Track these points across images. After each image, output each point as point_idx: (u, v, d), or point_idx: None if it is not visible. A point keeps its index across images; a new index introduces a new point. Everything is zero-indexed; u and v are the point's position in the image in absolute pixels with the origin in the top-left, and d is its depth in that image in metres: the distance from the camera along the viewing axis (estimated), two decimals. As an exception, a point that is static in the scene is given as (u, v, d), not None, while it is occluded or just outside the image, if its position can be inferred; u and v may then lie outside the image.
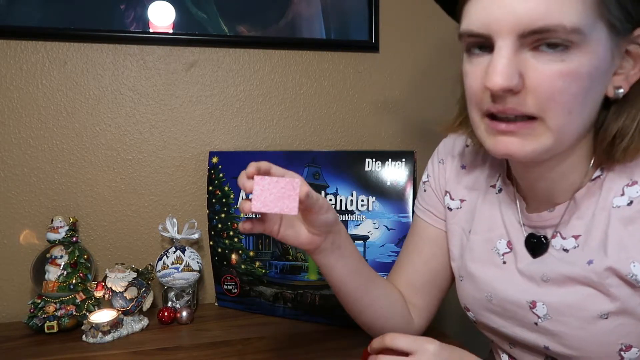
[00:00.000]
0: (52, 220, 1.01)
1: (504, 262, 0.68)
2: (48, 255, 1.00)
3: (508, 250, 0.68)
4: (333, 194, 0.99)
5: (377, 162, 0.96)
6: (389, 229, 0.94)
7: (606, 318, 0.57)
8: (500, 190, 0.70)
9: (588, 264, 0.58)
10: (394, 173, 0.95)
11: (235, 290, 1.08)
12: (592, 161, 0.59)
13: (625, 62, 0.55)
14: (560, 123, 0.52)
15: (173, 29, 1.09)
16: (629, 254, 0.56)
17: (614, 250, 0.56)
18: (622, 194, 0.57)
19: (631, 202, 0.56)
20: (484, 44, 0.54)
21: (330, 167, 1.00)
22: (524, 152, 0.55)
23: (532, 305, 0.63)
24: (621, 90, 0.55)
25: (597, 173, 0.59)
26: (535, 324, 0.63)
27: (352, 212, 0.97)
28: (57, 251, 1.00)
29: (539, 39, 0.50)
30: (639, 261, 0.55)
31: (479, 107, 0.57)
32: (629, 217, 0.56)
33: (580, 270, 0.59)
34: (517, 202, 0.67)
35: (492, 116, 0.55)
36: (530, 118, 0.53)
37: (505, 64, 0.51)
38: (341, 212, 0.98)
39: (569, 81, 0.51)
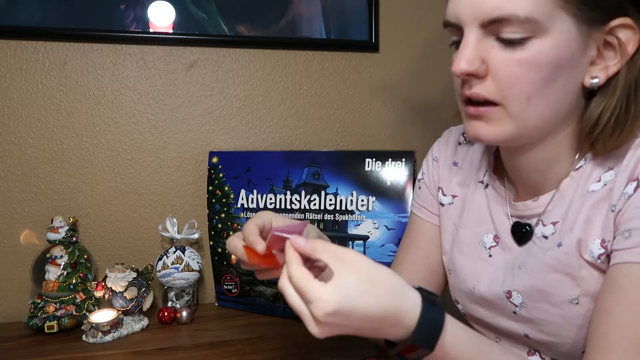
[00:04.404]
0: (52, 220, 1.01)
1: (490, 256, 0.69)
2: (48, 255, 1.00)
3: (495, 244, 0.69)
4: (333, 194, 0.99)
5: (377, 162, 0.96)
6: (389, 229, 0.95)
7: (577, 303, 0.58)
8: (487, 186, 0.72)
9: (558, 246, 0.59)
10: (394, 173, 0.95)
11: (235, 290, 1.08)
12: (578, 151, 0.61)
13: (607, 53, 0.55)
14: (520, 109, 0.55)
15: (173, 29, 1.09)
16: (593, 231, 0.57)
17: (580, 228, 0.58)
18: (599, 180, 0.58)
19: (605, 185, 0.57)
20: (460, 34, 0.57)
21: (330, 167, 1.00)
22: (489, 136, 0.58)
23: (508, 295, 0.64)
24: (596, 80, 0.55)
25: (581, 163, 0.60)
26: (514, 312, 0.64)
27: (352, 212, 0.97)
28: (57, 251, 1.00)
29: (499, 27, 0.53)
30: (598, 238, 0.56)
31: (459, 93, 0.60)
32: (599, 196, 0.57)
33: (552, 253, 0.60)
34: (506, 194, 0.69)
35: (469, 102, 0.58)
36: (494, 104, 0.56)
37: (467, 51, 0.54)
38: (341, 212, 0.98)
39: (527, 68, 0.53)
